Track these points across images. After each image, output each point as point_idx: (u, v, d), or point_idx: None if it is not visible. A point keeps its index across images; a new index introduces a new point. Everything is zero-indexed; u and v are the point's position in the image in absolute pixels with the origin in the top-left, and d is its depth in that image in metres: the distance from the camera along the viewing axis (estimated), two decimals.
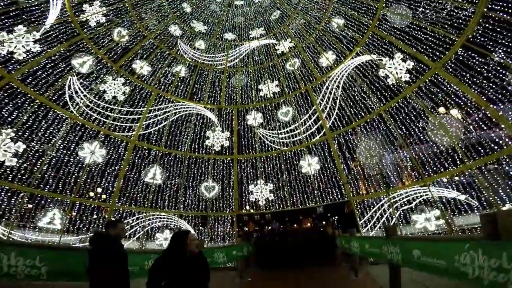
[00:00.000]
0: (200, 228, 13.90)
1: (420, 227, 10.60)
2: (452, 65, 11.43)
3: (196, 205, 13.94)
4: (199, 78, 18.26)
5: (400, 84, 13.13)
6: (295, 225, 55.85)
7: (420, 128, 12.01)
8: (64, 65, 13.26)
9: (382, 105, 13.56)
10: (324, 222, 53.75)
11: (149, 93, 15.93)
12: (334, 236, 11.75)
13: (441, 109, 11.86)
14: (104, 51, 14.53)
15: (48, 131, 12.27)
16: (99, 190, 13.47)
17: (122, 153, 13.99)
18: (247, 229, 54.32)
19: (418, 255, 4.12)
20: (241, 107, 17.62)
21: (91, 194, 13.65)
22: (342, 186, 12.60)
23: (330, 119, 14.66)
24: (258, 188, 14.03)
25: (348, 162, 13.00)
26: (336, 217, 58.76)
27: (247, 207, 13.81)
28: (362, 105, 14.36)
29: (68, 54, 13.49)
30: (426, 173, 11.21)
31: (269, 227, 52.70)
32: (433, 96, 12.16)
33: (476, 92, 10.43)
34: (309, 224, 55.35)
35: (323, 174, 13.25)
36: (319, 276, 10.00)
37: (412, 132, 12.13)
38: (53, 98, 12.59)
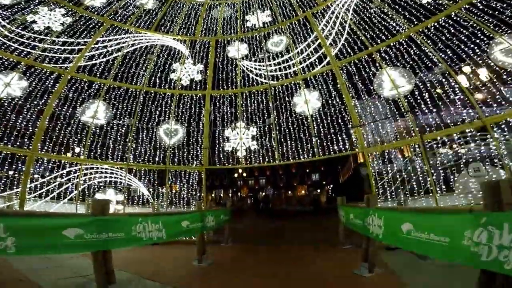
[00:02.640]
0: (157, 187, 10.06)
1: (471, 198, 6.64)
2: None
3: (152, 155, 10.01)
4: (171, 10, 13.92)
5: (441, 2, 8.93)
6: (289, 192, 53.27)
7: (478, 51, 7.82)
8: None
9: (412, 26, 9.31)
10: (318, 190, 51.34)
11: (99, 24, 11.73)
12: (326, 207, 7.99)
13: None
14: None
15: None
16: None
17: (52, 87, 9.87)
18: (240, 194, 51.50)
19: None
20: (221, 38, 13.20)
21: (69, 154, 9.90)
22: (351, 132, 8.61)
23: (337, 46, 10.36)
24: (236, 133, 10.05)
25: (363, 95, 8.83)
26: (331, 186, 56.36)
27: (221, 159, 9.82)
28: (382, 28, 10.06)
29: None
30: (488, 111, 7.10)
31: (263, 193, 50.12)
32: (495, 13, 8.03)
33: None
34: (303, 192, 52.77)
35: (326, 114, 9.21)
36: (313, 265, 6.35)
37: (464, 56, 7.94)
38: None
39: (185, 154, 9.85)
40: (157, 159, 9.89)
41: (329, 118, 8.90)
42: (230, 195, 52.08)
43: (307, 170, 51.37)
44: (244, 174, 50.75)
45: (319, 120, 9.10)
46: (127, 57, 11.87)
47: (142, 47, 12.48)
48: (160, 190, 9.80)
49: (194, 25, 13.93)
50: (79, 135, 9.50)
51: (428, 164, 7.07)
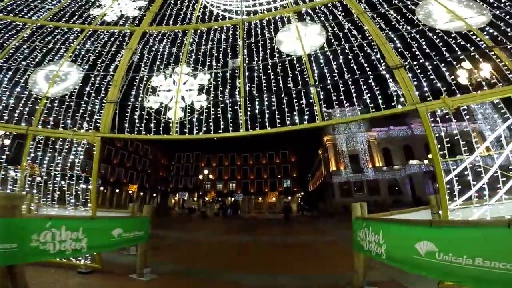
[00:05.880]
0: (6, 167, 5.07)
1: None
2: None
3: (9, 111, 5.14)
4: None
5: None
6: (260, 199, 48.92)
7: None
8: None
9: None
10: (289, 198, 47.78)
11: None
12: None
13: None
14: None
15: None
16: None
17: None
18: (207, 199, 46.14)
19: None
20: None
21: None
22: (388, 78, 4.37)
23: None
24: (173, 81, 5.49)
25: (401, 26, 4.70)
26: (302, 193, 52.83)
27: (135, 123, 5.06)
28: None
29: None
30: None
31: (233, 199, 45.34)
32: None
33: None
34: (274, 199, 48.71)
35: (335, 53, 4.90)
36: None
37: None
38: None
39: (69, 112, 5.11)
40: (16, 117, 5.05)
41: (341, 59, 4.69)
42: (195, 199, 46.43)
43: (279, 176, 47.48)
44: (211, 176, 45.57)
45: (322, 63, 4.85)
46: None
47: None
48: (10, 172, 4.87)
49: None
50: None
51: None
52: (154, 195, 46.05)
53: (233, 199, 44.56)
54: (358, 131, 43.49)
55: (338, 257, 6.05)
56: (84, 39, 6.53)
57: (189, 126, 4.73)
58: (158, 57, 5.96)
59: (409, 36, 4.51)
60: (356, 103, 4.20)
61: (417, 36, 4.44)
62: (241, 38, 5.70)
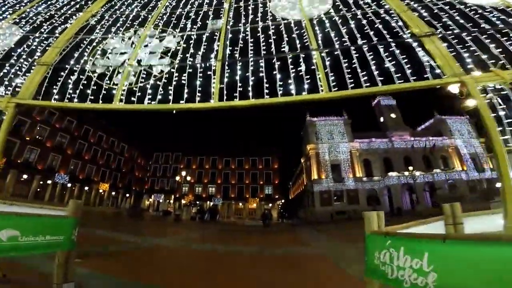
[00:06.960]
0: None
1: None
2: None
3: None
4: None
5: None
6: (240, 204, 47.32)
7: None
8: None
9: None
10: (270, 205, 46.68)
11: None
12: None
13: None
14: None
15: None
16: None
17: None
18: (184, 202, 43.88)
19: None
20: None
21: None
22: (416, 47, 3.32)
23: None
24: (131, 42, 4.24)
25: None
26: (283, 201, 51.89)
27: (68, 89, 3.69)
28: None
29: None
30: None
31: (211, 203, 43.46)
32: None
33: None
34: (255, 205, 47.27)
35: (343, 18, 3.80)
36: None
37: None
38: None
39: None
40: None
41: (352, 24, 3.62)
42: (171, 201, 44.02)
43: (261, 182, 46.21)
44: (190, 179, 43.50)
45: (328, 26, 3.73)
46: None
47: None
48: None
49: None
50: None
51: None
52: (128, 195, 43.24)
53: (212, 203, 42.78)
54: (341, 141, 43.51)
55: (335, 280, 4.74)
56: (40, 3, 5.24)
57: (139, 94, 3.44)
58: (121, 19, 4.69)
59: (436, 7, 3.57)
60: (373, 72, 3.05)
61: (446, 8, 3.51)
62: (228, 2, 4.55)
